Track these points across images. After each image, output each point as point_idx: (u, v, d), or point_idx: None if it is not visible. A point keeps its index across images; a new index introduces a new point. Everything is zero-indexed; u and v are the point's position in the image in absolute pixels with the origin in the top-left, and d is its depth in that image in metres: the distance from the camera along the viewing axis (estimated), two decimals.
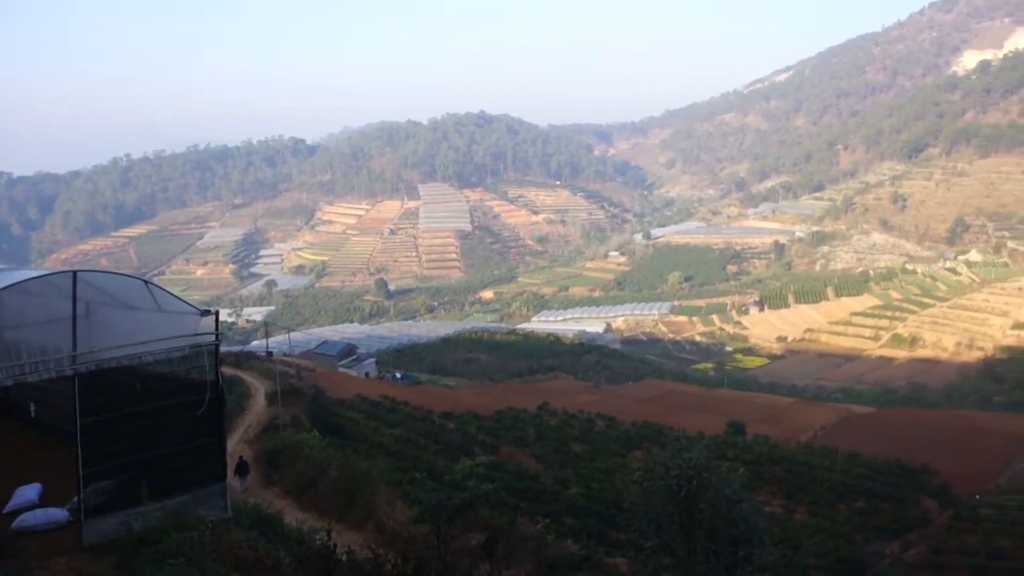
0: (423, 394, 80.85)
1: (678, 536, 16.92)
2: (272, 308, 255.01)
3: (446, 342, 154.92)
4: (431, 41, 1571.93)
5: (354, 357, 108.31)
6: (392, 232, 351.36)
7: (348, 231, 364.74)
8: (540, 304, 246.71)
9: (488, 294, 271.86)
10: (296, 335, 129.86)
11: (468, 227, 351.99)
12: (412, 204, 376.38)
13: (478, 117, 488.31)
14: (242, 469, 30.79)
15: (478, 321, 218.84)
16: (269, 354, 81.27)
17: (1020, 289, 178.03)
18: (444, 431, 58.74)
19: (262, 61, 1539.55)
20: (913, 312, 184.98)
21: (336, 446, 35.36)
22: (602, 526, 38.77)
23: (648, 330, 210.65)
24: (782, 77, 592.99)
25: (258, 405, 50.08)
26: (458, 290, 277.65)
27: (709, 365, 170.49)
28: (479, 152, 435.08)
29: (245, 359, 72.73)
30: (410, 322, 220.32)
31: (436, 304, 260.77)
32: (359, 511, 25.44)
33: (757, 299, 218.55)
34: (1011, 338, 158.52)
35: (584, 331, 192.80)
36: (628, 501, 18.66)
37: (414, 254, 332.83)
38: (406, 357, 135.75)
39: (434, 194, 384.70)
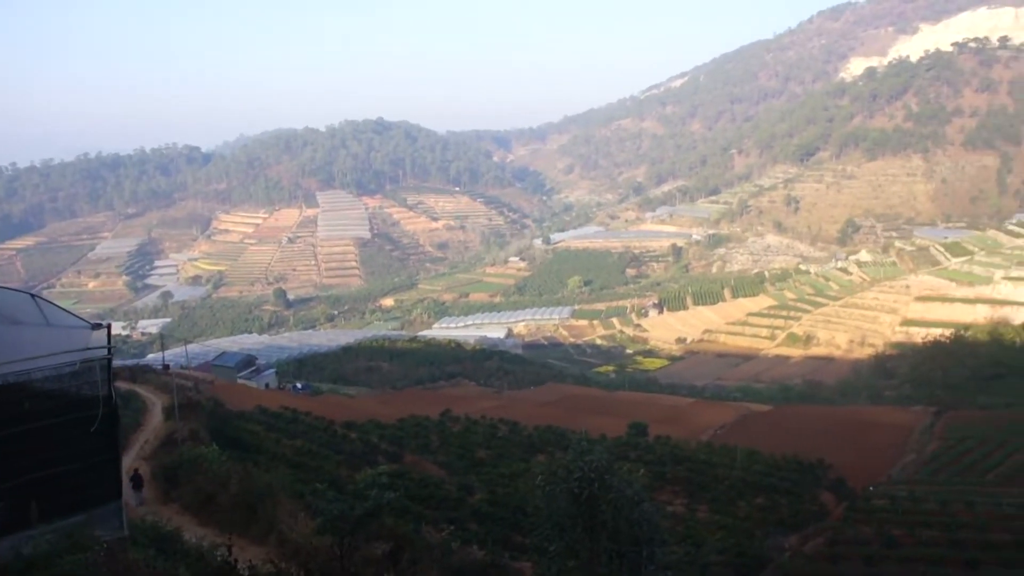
0: (324, 404, 79.95)
1: (581, 538, 16.99)
2: (168, 320, 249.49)
3: (347, 351, 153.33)
4: (328, 48, 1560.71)
5: (253, 368, 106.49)
6: (291, 240, 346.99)
7: (246, 240, 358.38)
8: (441, 311, 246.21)
9: (389, 302, 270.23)
10: (193, 347, 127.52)
11: (367, 234, 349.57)
12: (311, 212, 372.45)
13: (376, 124, 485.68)
14: (137, 482, 30.11)
15: (379, 329, 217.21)
16: (166, 367, 79.50)
17: (907, 287, 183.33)
18: (346, 441, 58.10)
19: (154, 68, 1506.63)
20: (807, 311, 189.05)
21: (236, 459, 34.64)
22: (507, 531, 38.78)
23: (549, 334, 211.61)
24: (678, 83, 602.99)
25: (155, 420, 48.86)
26: (358, 298, 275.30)
27: (610, 368, 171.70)
28: (378, 159, 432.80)
29: (141, 373, 70.94)
30: (310, 331, 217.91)
31: (336, 313, 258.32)
32: (261, 525, 25.01)
33: (656, 302, 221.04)
34: (900, 335, 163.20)
35: (485, 337, 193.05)
36: (532, 505, 18.70)
37: (313, 262, 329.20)
38: (307, 367, 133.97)
39: (333, 202, 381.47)
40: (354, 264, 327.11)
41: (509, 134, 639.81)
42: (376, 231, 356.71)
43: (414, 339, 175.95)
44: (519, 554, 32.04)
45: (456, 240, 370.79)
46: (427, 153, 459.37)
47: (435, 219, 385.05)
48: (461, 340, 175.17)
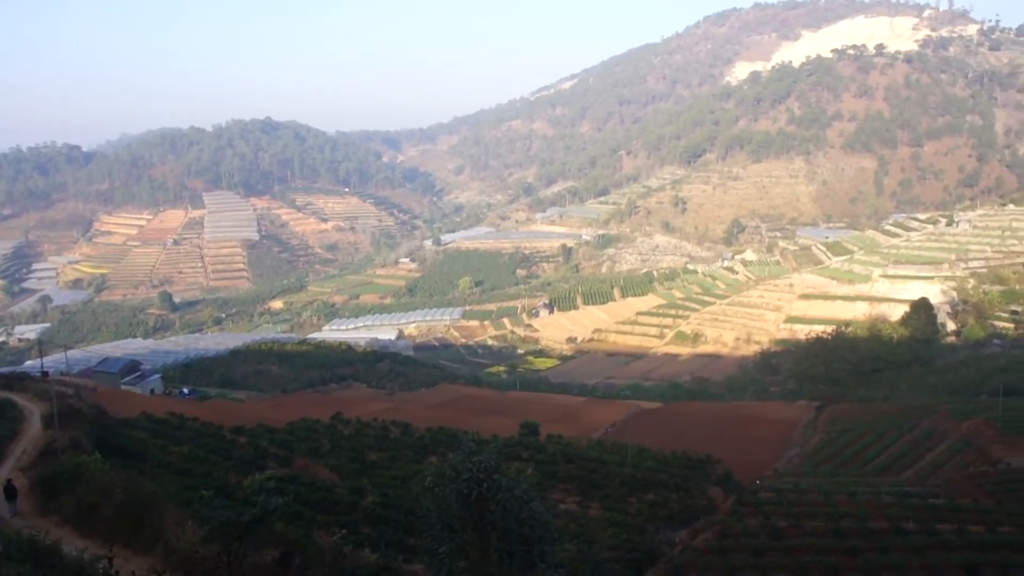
0: (212, 409, 78.35)
1: (471, 539, 16.98)
2: (47, 325, 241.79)
3: (235, 355, 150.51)
4: (215, 46, 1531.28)
5: (138, 374, 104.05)
6: (176, 242, 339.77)
7: (129, 242, 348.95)
8: (331, 313, 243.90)
9: (278, 304, 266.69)
10: (74, 353, 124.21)
11: (256, 236, 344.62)
12: (197, 213, 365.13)
13: (264, 123, 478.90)
14: (10, 493, 29.06)
15: (268, 332, 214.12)
16: (44, 374, 76.91)
17: (791, 285, 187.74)
18: (235, 446, 56.98)
19: (31, 64, 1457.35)
20: (695, 310, 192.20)
21: (121, 468, 33.71)
22: (400, 534, 38.54)
23: (440, 336, 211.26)
24: (567, 85, 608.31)
25: (33, 429, 47.13)
26: (247, 301, 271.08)
27: (502, 368, 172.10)
28: (266, 159, 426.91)
29: (18, 380, 68.33)
30: (197, 335, 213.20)
31: (224, 316, 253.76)
32: (147, 534, 24.36)
33: (547, 302, 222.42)
34: (784, 332, 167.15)
35: (376, 339, 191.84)
36: (422, 507, 18.64)
37: (200, 265, 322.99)
38: (194, 372, 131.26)
39: (220, 203, 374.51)
40: (242, 266, 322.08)
41: (399, 135, 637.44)
42: (264, 232, 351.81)
43: (304, 342, 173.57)
44: (412, 556, 31.84)
45: (346, 241, 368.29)
46: (316, 153, 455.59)
47: (325, 220, 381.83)
48: (352, 342, 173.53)
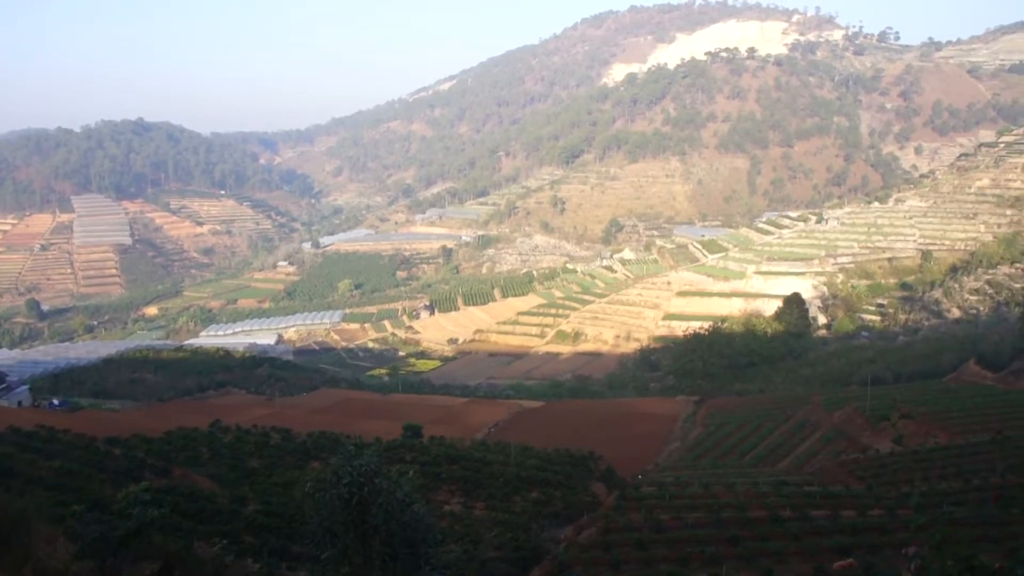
0: (85, 420, 75.89)
1: (354, 543, 16.85)
2: None
3: (109, 363, 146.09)
4: (81, 44, 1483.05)
5: (3, 386, 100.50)
6: (43, 248, 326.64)
7: None
8: (208, 318, 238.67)
9: (152, 310, 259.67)
10: None
11: (128, 240, 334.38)
12: (65, 217, 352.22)
13: (136, 124, 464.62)
14: None
15: (143, 339, 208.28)
16: None
17: (668, 283, 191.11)
18: (110, 458, 55.20)
19: None
20: (575, 309, 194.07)
21: None
22: (283, 541, 37.89)
23: (321, 339, 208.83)
24: (446, 86, 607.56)
25: None
26: (120, 307, 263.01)
27: (383, 371, 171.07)
28: (138, 161, 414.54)
29: None
30: (68, 344, 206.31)
31: (96, 323, 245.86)
32: (15, 555, 23.28)
33: (427, 303, 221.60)
34: (663, 328, 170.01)
35: (255, 344, 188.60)
36: (304, 513, 18.40)
37: (69, 271, 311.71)
38: (64, 382, 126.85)
39: (90, 206, 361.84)
40: (114, 272, 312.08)
41: (276, 136, 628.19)
42: (138, 237, 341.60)
43: (180, 348, 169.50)
44: (296, 563, 31.44)
45: (223, 245, 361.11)
46: (191, 155, 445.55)
47: (200, 224, 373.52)
48: (230, 348, 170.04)
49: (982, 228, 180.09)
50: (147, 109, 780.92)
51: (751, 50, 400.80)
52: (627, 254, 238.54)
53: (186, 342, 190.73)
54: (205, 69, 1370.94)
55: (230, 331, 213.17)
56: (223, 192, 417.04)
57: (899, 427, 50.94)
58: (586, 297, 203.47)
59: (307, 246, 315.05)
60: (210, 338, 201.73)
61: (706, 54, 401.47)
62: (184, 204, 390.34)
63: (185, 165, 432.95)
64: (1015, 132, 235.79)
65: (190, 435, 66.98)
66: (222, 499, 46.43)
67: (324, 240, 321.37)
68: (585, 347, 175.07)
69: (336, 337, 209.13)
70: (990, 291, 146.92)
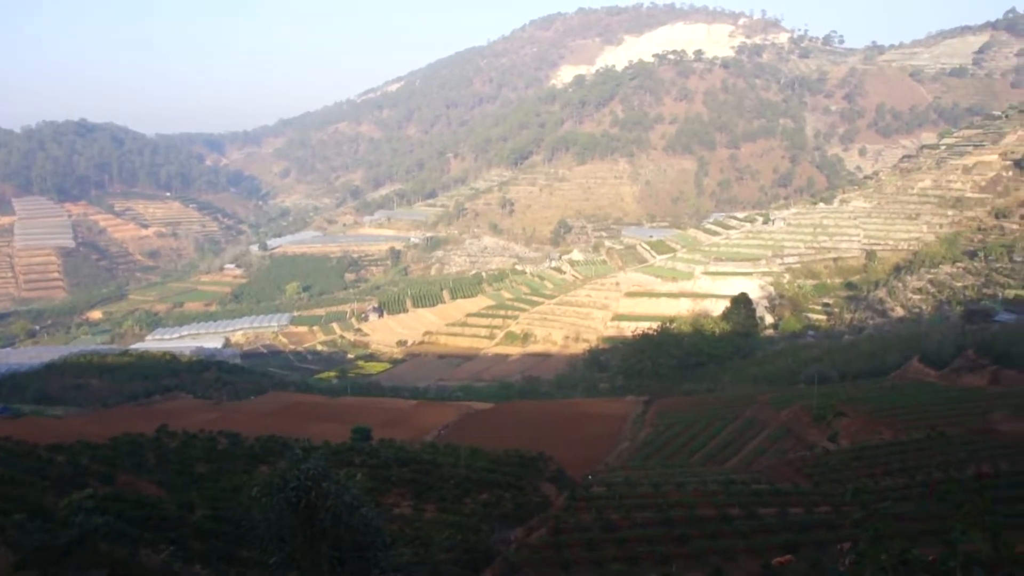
0: (27, 427, 74.43)
1: (302, 547, 16.57)
2: None
3: (51, 369, 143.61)
4: (19, 41, 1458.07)
5: None
6: None
7: None
8: (154, 322, 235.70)
9: (97, 314, 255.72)
10: None
11: (71, 243, 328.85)
12: (5, 220, 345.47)
13: (79, 125, 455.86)
14: None
15: (87, 344, 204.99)
16: None
17: (617, 284, 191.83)
18: (53, 465, 54.12)
19: None
20: (524, 310, 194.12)
21: None
22: (231, 546, 37.28)
23: (269, 342, 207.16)
24: (394, 87, 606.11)
25: None
26: (63, 311, 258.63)
27: (332, 374, 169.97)
28: (81, 163, 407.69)
29: None
30: (8, 349, 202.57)
31: (38, 328, 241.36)
32: None
33: (376, 305, 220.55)
34: (611, 329, 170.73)
35: (202, 347, 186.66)
36: (251, 518, 18.10)
37: (10, 275, 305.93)
38: (5, 388, 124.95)
39: (31, 209, 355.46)
40: (57, 275, 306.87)
41: (223, 137, 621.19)
42: (81, 239, 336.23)
43: (126, 353, 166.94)
44: (245, 569, 30.96)
45: (168, 248, 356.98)
46: (135, 157, 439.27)
47: (145, 226, 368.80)
48: (176, 352, 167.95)
49: (924, 228, 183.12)
50: (90, 110, 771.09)
51: (698, 52, 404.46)
52: (576, 255, 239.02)
53: (132, 346, 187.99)
54: (150, 69, 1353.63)
55: (176, 335, 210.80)
56: (169, 194, 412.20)
57: (834, 425, 51.44)
58: (535, 298, 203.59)
59: (254, 248, 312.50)
60: (156, 342, 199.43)
61: (654, 56, 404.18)
62: (129, 206, 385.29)
63: (130, 167, 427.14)
64: (956, 134, 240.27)
65: (136, 441, 65.95)
66: (169, 505, 45.65)
67: (272, 242, 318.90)
68: (534, 348, 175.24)
69: (284, 340, 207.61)
70: (932, 290, 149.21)
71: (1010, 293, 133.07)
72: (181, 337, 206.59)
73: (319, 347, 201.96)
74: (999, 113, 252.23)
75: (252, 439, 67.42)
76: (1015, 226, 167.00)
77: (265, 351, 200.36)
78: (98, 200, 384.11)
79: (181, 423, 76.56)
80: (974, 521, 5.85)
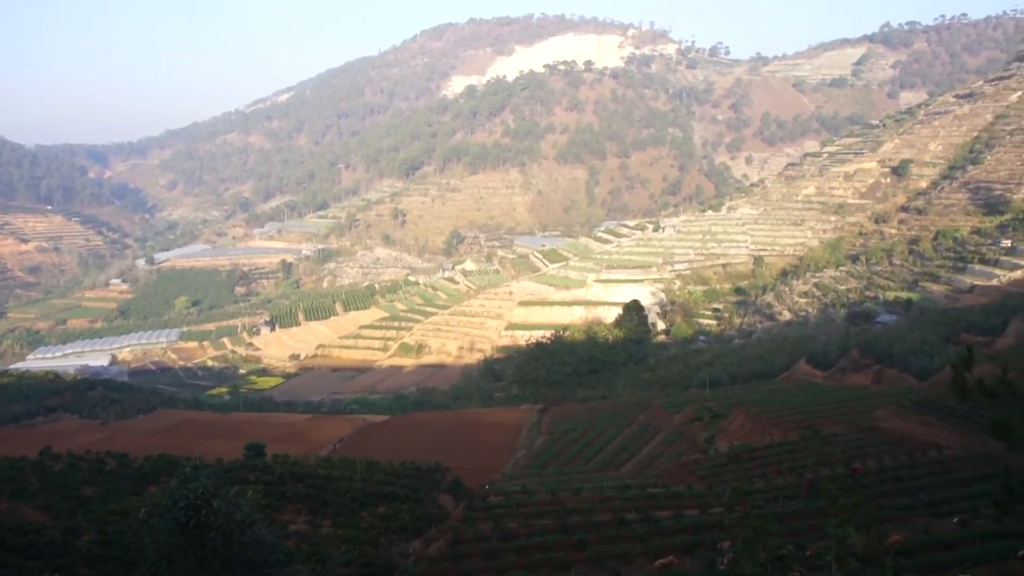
0: None
1: (192, 568, 16.29)
2: None
3: None
4: None
5: None
6: None
7: None
8: (36, 340, 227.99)
9: None
10: None
11: None
12: None
13: None
14: None
15: None
16: None
17: (511, 293, 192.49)
18: None
19: None
20: (418, 321, 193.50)
21: None
22: (120, 571, 36.45)
23: (157, 359, 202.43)
24: (284, 97, 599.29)
25: None
26: None
27: (224, 390, 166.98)
28: None
29: None
30: None
31: None
32: None
33: (268, 319, 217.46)
34: (506, 338, 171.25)
35: (87, 365, 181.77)
36: (139, 540, 17.76)
37: None
38: None
39: None
40: None
41: (107, 149, 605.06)
42: None
43: (5, 373, 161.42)
44: None
45: (50, 263, 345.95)
46: (13, 169, 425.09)
47: (25, 241, 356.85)
48: (60, 371, 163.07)
49: (809, 234, 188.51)
50: None
51: (588, 63, 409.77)
52: (469, 265, 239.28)
53: (11, 366, 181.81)
54: (26, 78, 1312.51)
55: (60, 353, 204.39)
56: (50, 208, 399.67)
57: (712, 427, 52.52)
58: (429, 309, 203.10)
59: (141, 263, 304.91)
60: (38, 361, 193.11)
61: (545, 67, 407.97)
62: (7, 221, 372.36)
63: (8, 179, 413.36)
64: (837, 143, 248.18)
65: (17, 464, 63.85)
66: (54, 531, 44.37)
67: (159, 256, 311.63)
68: (429, 359, 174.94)
69: (174, 356, 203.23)
70: (818, 293, 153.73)
71: (890, 295, 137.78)
72: (65, 355, 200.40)
73: (210, 363, 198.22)
74: (877, 122, 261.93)
75: (141, 459, 65.92)
76: (894, 231, 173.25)
77: (154, 368, 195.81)
78: None
79: (66, 445, 74.37)
80: (848, 515, 6.14)
